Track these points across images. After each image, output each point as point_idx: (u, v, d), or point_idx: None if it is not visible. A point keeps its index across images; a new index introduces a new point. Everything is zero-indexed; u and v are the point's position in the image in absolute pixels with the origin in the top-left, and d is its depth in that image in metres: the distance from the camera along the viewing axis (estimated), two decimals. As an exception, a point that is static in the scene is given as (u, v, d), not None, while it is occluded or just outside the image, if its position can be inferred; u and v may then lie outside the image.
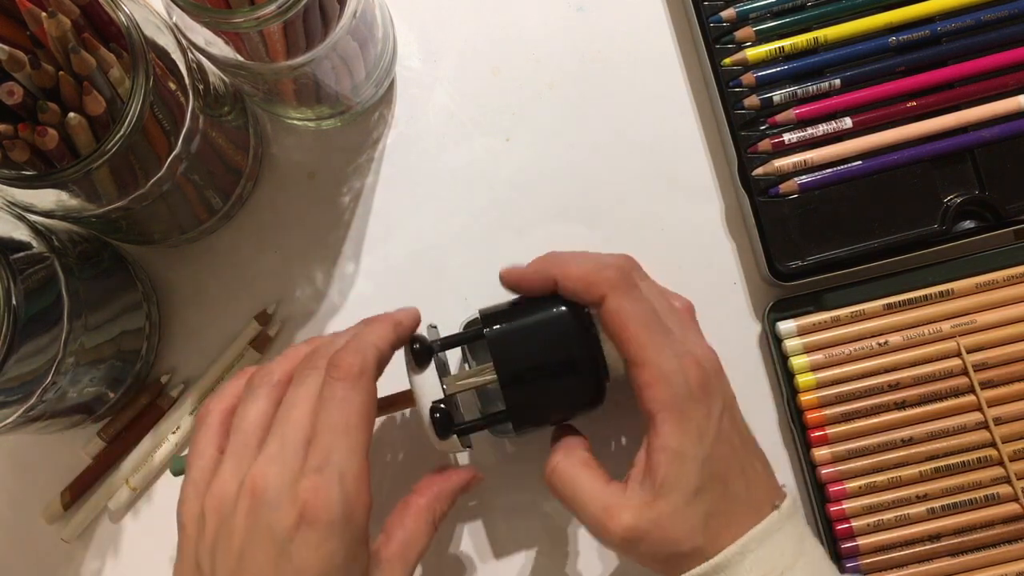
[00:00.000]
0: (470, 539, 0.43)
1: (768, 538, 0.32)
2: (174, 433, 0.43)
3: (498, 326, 0.35)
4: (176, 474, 0.36)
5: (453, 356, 0.42)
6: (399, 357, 0.36)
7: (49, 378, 0.35)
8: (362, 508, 0.30)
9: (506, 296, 0.37)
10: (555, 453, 0.35)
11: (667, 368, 0.32)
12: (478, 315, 0.37)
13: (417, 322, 0.36)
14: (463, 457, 0.43)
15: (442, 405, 0.35)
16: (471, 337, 0.37)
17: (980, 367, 0.41)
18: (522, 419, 0.36)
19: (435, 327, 0.39)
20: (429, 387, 0.35)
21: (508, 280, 0.36)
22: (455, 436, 0.35)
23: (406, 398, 0.37)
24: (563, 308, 0.35)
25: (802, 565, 0.32)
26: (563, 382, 0.35)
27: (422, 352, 0.36)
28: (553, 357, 0.35)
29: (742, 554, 0.31)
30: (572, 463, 0.34)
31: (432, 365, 0.36)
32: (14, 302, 0.32)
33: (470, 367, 0.40)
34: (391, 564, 0.32)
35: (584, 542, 0.42)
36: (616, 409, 0.39)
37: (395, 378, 0.36)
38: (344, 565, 0.29)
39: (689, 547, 0.32)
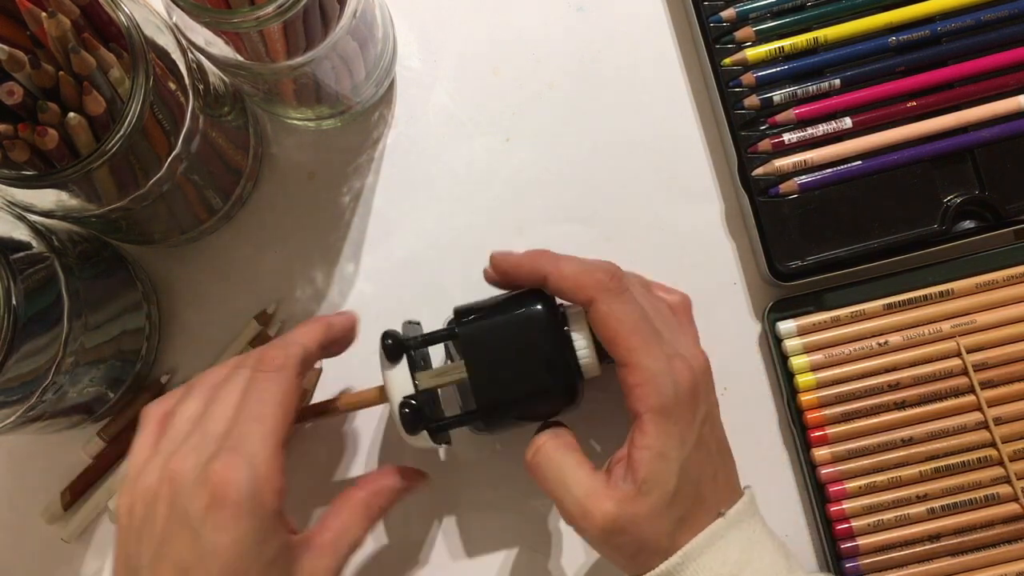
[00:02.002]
0: (453, 535, 0.43)
1: (710, 546, 0.32)
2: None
3: (470, 323, 0.35)
4: None
5: (438, 353, 0.42)
6: (374, 356, 0.36)
7: (49, 378, 0.35)
8: (271, 491, 0.30)
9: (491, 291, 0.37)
10: (540, 435, 0.35)
11: (656, 371, 0.32)
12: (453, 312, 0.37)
13: (350, 326, 0.37)
14: (442, 453, 0.43)
15: (413, 401, 0.35)
16: (445, 334, 0.37)
17: (980, 367, 0.41)
18: (491, 416, 0.36)
19: (415, 323, 0.39)
20: (400, 382, 0.35)
21: (498, 266, 0.36)
22: (425, 432, 0.35)
23: (381, 394, 0.37)
24: (537, 307, 0.35)
25: (748, 574, 0.32)
26: (534, 381, 0.35)
27: (394, 347, 0.36)
28: (524, 355, 0.35)
29: (683, 563, 0.32)
30: (558, 444, 0.35)
31: (404, 361, 0.36)
32: (14, 302, 0.32)
33: (453, 363, 0.40)
34: (321, 551, 0.33)
35: (564, 541, 0.42)
36: (591, 406, 0.39)
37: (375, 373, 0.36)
38: (255, 547, 0.30)
39: (656, 547, 0.32)
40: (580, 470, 0.33)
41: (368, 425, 0.43)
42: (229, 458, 0.30)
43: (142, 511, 0.31)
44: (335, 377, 0.44)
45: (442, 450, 0.43)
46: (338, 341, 0.37)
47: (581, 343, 0.36)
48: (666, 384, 0.32)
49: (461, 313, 0.36)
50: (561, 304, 0.37)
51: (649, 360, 0.33)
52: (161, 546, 0.30)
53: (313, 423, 0.38)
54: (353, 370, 0.44)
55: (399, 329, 0.37)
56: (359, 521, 0.35)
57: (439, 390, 0.38)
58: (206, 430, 0.32)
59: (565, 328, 0.36)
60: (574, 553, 0.42)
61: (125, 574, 0.32)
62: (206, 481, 0.30)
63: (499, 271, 0.37)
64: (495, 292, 0.38)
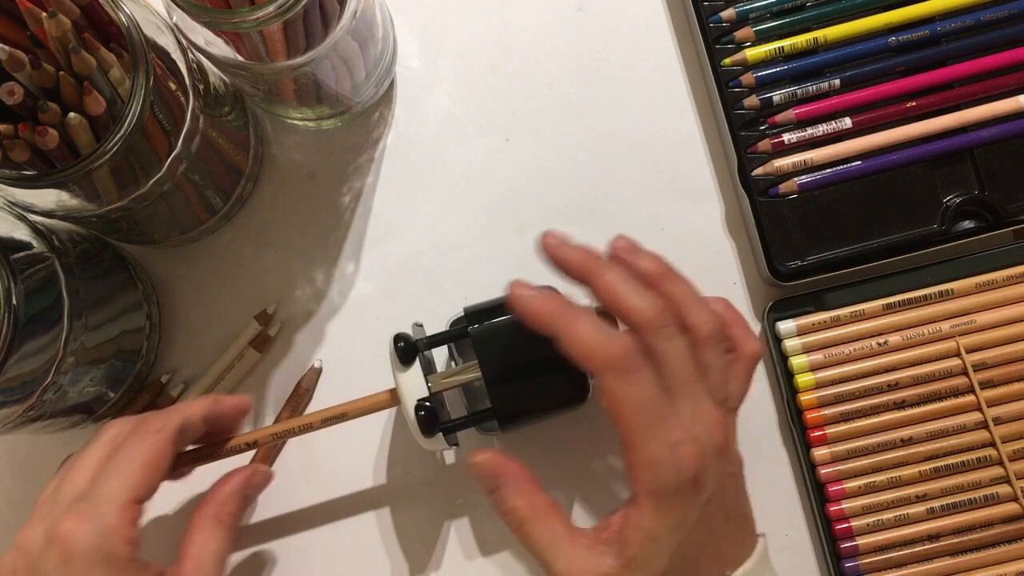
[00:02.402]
0: (456, 537, 0.43)
1: None
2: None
3: (483, 324, 0.35)
4: None
5: (441, 354, 0.42)
6: (385, 359, 0.36)
7: (49, 378, 0.35)
8: (120, 540, 0.32)
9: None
10: (509, 491, 0.33)
11: (656, 456, 0.31)
12: (463, 313, 0.37)
13: (240, 409, 0.38)
14: (449, 455, 0.43)
15: (427, 403, 0.35)
16: (456, 335, 0.37)
17: (980, 367, 0.41)
18: (507, 416, 0.36)
19: (421, 325, 0.39)
20: (414, 385, 0.35)
21: (516, 299, 0.34)
22: (440, 434, 0.35)
23: (392, 397, 0.37)
24: None
25: None
26: (547, 379, 0.35)
27: (407, 350, 0.36)
28: (537, 355, 0.35)
29: None
30: (537, 507, 0.33)
31: (417, 363, 0.36)
32: (14, 302, 0.32)
33: (456, 365, 0.40)
34: None
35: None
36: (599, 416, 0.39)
37: (384, 376, 0.36)
38: None
39: None
40: (560, 537, 0.32)
41: (370, 425, 0.43)
42: (75, 514, 0.32)
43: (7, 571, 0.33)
44: (335, 375, 0.44)
45: (450, 453, 0.43)
46: (224, 417, 0.37)
47: None
48: (667, 471, 0.31)
49: (472, 313, 0.36)
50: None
51: (651, 446, 0.31)
52: None
53: (320, 431, 0.37)
54: (353, 371, 0.44)
55: (407, 331, 0.37)
56: (213, 535, 0.35)
57: (444, 392, 0.38)
58: (59, 495, 0.34)
59: None
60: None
61: None
62: (53, 540, 0.32)
63: (513, 302, 0.34)
64: (495, 293, 0.38)
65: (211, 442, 0.38)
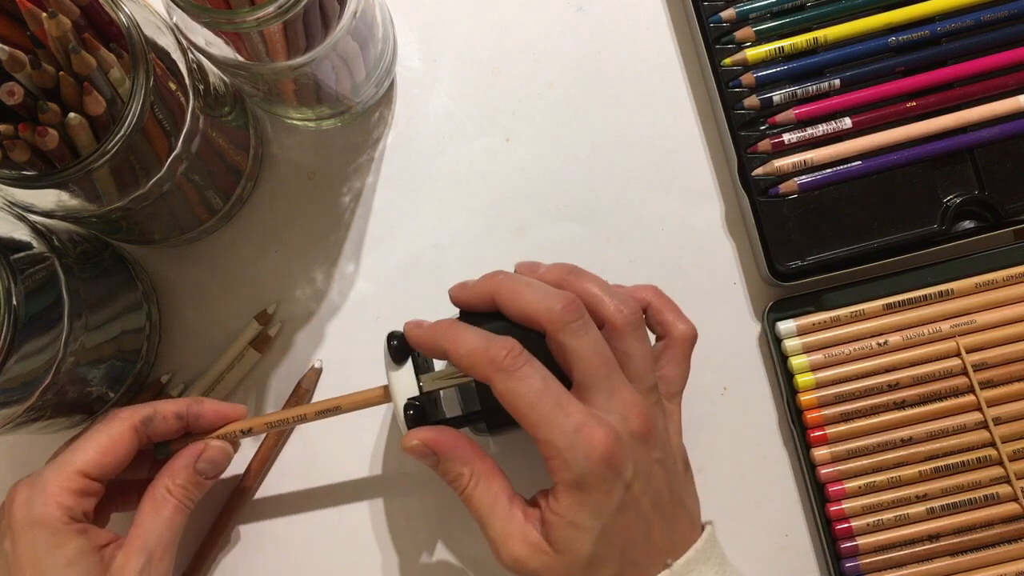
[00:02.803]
0: (447, 529, 0.43)
1: None
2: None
3: (475, 324, 0.35)
4: (159, 456, 0.38)
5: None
6: (375, 358, 0.36)
7: (49, 378, 0.35)
8: (56, 505, 0.35)
9: None
10: (452, 462, 0.34)
11: (561, 444, 0.31)
12: (459, 314, 0.37)
13: (224, 415, 0.38)
14: None
15: (416, 403, 0.35)
16: None
17: (980, 367, 0.41)
18: (495, 419, 0.36)
19: None
20: (405, 384, 0.36)
21: (408, 335, 0.36)
22: None
23: (386, 394, 0.37)
24: None
25: None
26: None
27: (400, 349, 0.36)
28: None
29: None
30: (480, 472, 0.34)
31: (409, 362, 0.36)
32: (14, 302, 0.32)
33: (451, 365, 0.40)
34: (130, 549, 0.35)
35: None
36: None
37: (384, 376, 0.36)
38: (51, 551, 0.34)
39: None
40: (502, 504, 0.33)
41: (367, 419, 0.43)
42: (24, 483, 0.36)
43: None
44: (335, 375, 0.44)
45: None
46: (202, 419, 0.38)
47: None
48: (575, 458, 0.31)
49: (467, 315, 0.36)
50: None
51: (553, 435, 0.31)
52: None
53: (316, 422, 0.38)
54: (353, 371, 0.44)
55: (402, 330, 0.37)
56: (160, 509, 0.36)
57: (440, 391, 0.38)
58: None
59: None
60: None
61: None
62: (5, 506, 0.36)
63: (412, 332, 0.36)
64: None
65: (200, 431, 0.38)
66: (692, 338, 0.37)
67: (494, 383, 0.32)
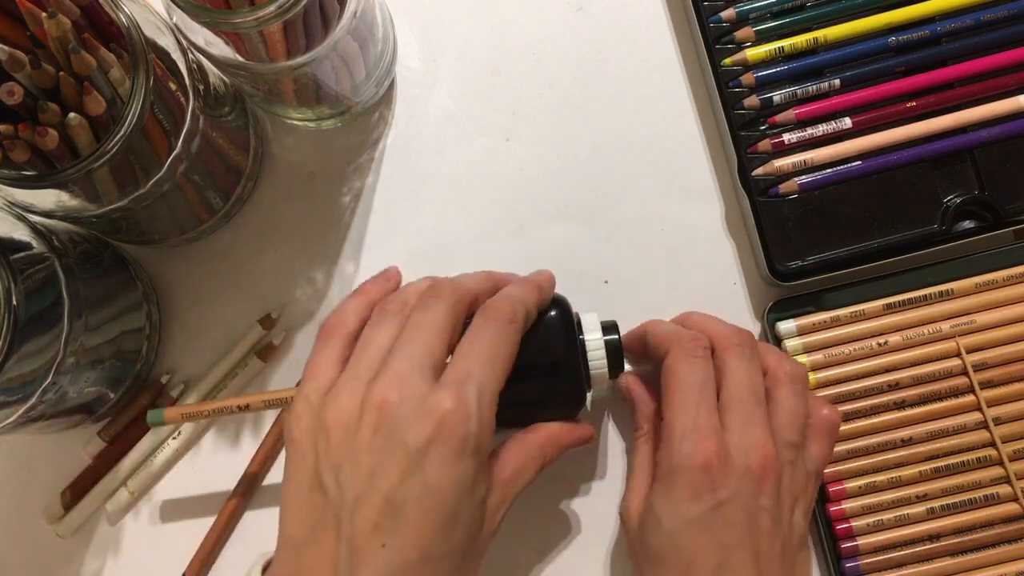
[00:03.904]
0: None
1: None
2: (175, 439, 0.43)
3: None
4: (152, 425, 0.38)
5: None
6: None
7: (49, 378, 0.35)
8: (490, 434, 0.30)
9: None
10: (638, 415, 0.38)
11: (677, 433, 0.33)
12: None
13: (553, 286, 0.37)
14: None
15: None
16: None
17: (980, 367, 0.41)
18: (501, 417, 0.36)
19: None
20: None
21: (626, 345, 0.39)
22: None
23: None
24: (552, 312, 0.36)
25: None
26: (545, 384, 0.36)
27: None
28: (536, 359, 0.35)
29: None
30: (650, 438, 0.38)
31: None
32: (14, 302, 0.32)
33: None
34: (503, 488, 0.32)
35: (567, 544, 0.42)
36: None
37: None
38: (471, 488, 0.29)
39: None
40: (643, 466, 0.37)
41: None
42: (458, 394, 0.29)
43: (340, 437, 0.29)
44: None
45: None
46: (545, 304, 0.36)
47: (595, 351, 0.36)
48: (678, 449, 0.33)
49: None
50: (576, 312, 0.37)
51: (677, 420, 0.33)
52: (372, 477, 0.28)
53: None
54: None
55: None
56: (534, 462, 0.33)
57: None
58: (412, 358, 0.30)
59: (580, 336, 0.37)
60: (577, 556, 0.42)
61: (316, 508, 0.30)
62: (430, 413, 0.29)
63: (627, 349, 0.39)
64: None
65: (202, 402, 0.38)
66: (835, 424, 0.37)
67: (667, 356, 0.35)
